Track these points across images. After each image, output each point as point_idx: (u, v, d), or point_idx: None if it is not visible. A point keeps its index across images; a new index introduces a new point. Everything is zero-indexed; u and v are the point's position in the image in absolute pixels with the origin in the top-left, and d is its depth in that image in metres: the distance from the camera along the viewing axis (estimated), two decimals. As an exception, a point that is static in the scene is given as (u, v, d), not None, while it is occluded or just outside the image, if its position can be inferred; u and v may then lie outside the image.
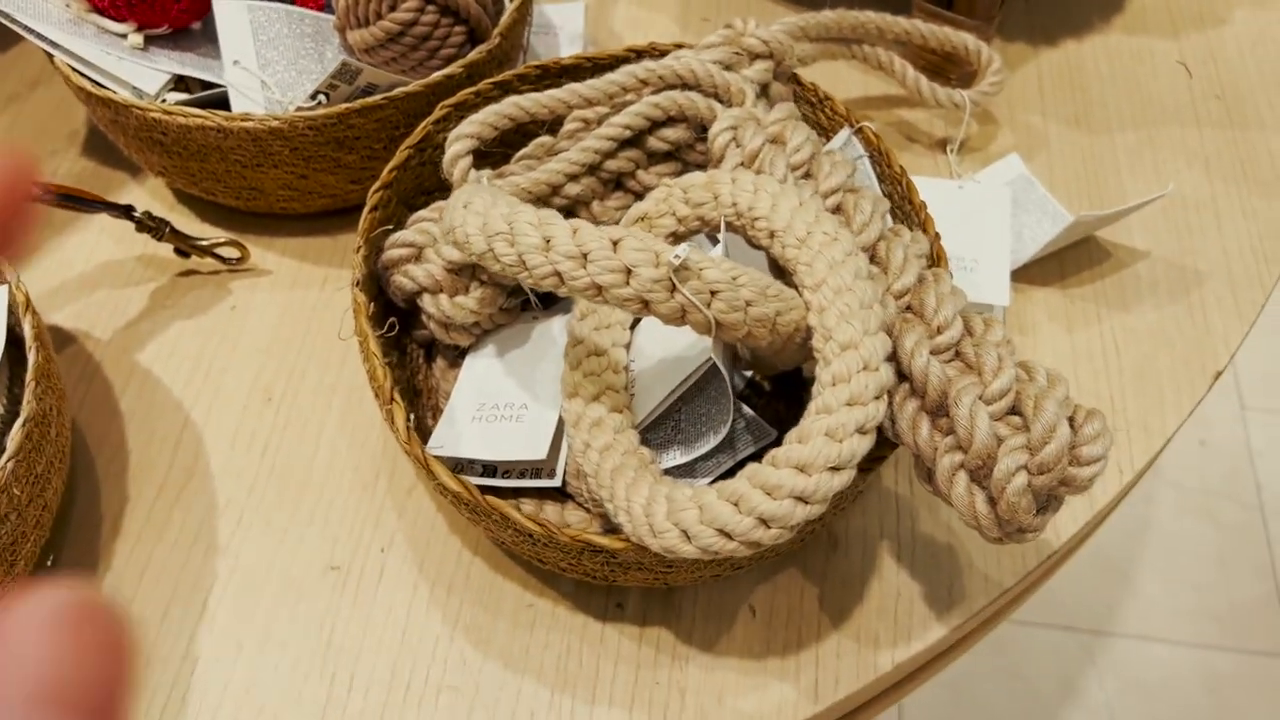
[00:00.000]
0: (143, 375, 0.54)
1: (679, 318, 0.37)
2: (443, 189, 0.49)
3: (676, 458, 0.44)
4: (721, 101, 0.49)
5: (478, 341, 0.49)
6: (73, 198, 0.51)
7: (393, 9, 0.54)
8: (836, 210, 0.44)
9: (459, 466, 0.45)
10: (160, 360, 0.54)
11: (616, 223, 0.49)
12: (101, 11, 0.57)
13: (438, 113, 0.51)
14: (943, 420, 0.38)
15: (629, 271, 0.36)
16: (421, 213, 0.49)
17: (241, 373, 0.54)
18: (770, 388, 0.50)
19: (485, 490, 0.40)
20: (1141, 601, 1.21)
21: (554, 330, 0.49)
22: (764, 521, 0.35)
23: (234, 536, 0.48)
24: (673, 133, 0.50)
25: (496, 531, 0.42)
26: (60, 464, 0.46)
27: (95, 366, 0.54)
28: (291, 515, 0.49)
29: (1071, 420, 0.36)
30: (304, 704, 0.43)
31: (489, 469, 0.45)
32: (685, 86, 0.50)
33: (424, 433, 0.46)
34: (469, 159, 0.47)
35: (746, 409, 0.46)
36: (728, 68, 0.51)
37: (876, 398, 0.36)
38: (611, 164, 0.49)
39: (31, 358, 0.44)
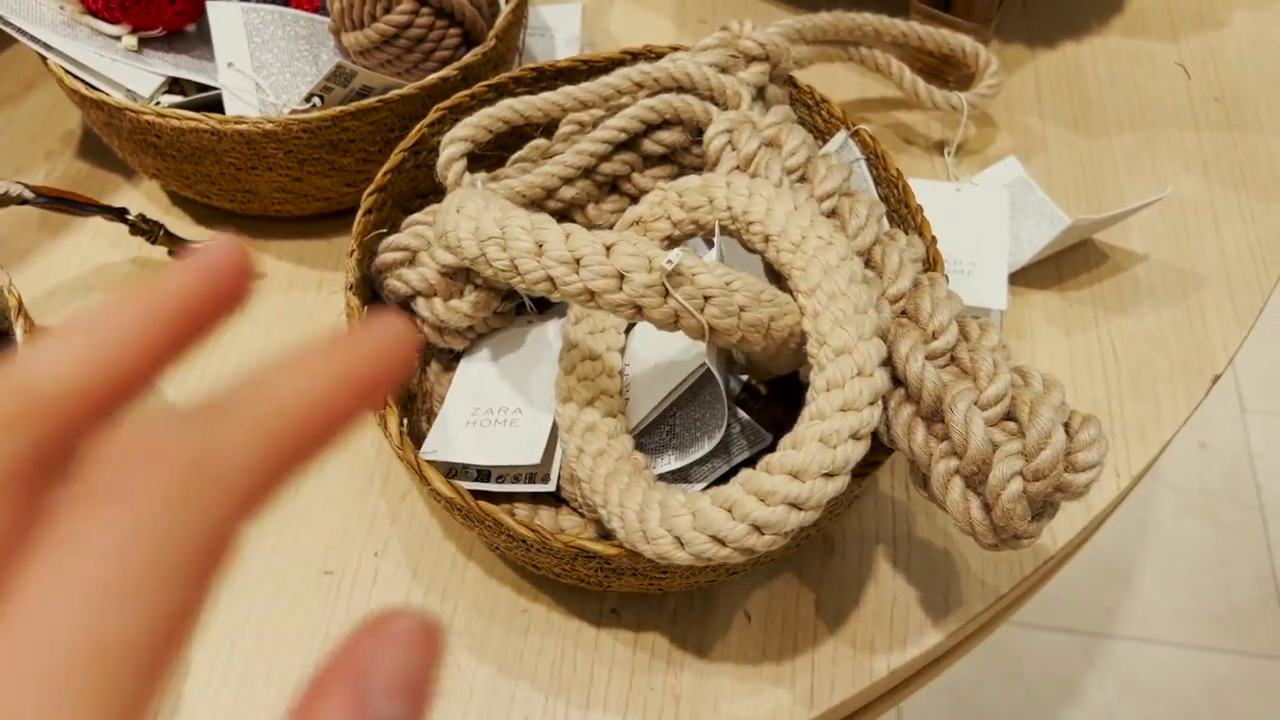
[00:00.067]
0: (137, 379, 0.53)
1: (672, 323, 0.37)
2: (437, 192, 0.49)
3: (671, 462, 0.44)
4: (717, 104, 0.49)
5: (472, 345, 0.49)
6: (66, 200, 0.51)
7: (387, 11, 0.54)
8: (832, 214, 0.44)
9: (453, 471, 0.45)
10: (154, 364, 0.54)
11: (611, 226, 0.49)
12: (95, 13, 0.57)
13: (432, 115, 0.51)
14: (938, 426, 0.37)
15: (622, 277, 0.36)
16: (415, 216, 0.48)
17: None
18: (766, 392, 0.50)
19: (479, 495, 0.40)
20: (1141, 603, 1.21)
21: (549, 334, 0.49)
22: (757, 528, 0.34)
23: (227, 541, 0.48)
24: (668, 136, 0.50)
25: (490, 537, 0.42)
26: (52, 468, 0.45)
27: (89, 370, 0.54)
28: (285, 519, 0.49)
29: (1067, 426, 0.36)
30: (297, 710, 0.43)
31: (483, 474, 0.45)
32: (681, 89, 0.50)
33: (418, 437, 0.46)
34: (463, 162, 0.47)
35: (742, 413, 0.46)
36: (724, 70, 0.50)
37: (871, 403, 0.35)
38: (607, 167, 0.49)
39: (23, 362, 0.43)
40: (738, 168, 0.45)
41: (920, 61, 0.66)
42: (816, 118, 0.55)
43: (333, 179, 0.55)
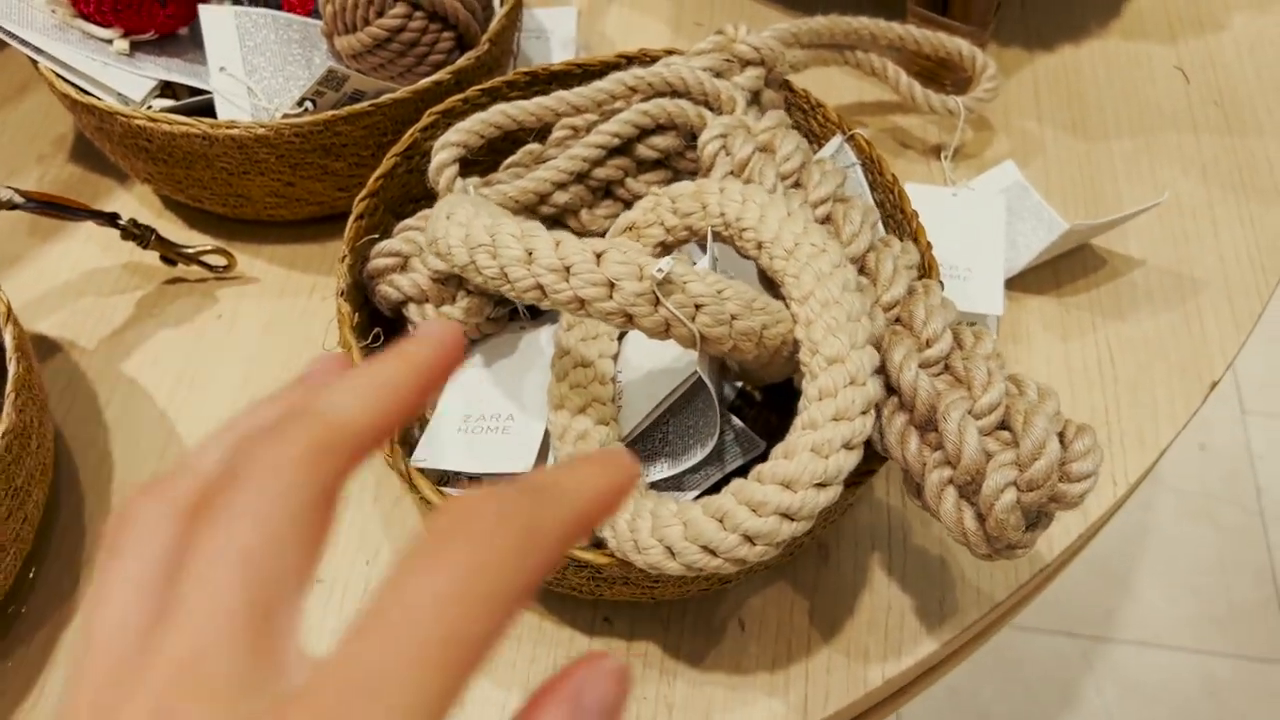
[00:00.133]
0: (128, 385, 0.53)
1: (663, 332, 0.36)
2: (430, 197, 0.48)
3: (664, 470, 0.44)
4: (712, 109, 0.49)
5: (464, 351, 0.49)
6: (57, 206, 0.51)
7: (380, 15, 0.54)
8: (826, 220, 0.44)
9: (444, 479, 0.45)
10: (146, 369, 0.54)
11: (605, 231, 0.49)
12: (87, 17, 0.56)
13: (425, 120, 0.51)
14: (932, 435, 0.37)
15: (612, 285, 0.35)
16: (407, 221, 0.48)
17: (228, 382, 0.53)
18: (761, 398, 0.49)
19: (469, 504, 0.40)
20: (1141, 606, 1.20)
21: (542, 340, 0.49)
22: (749, 538, 0.34)
23: (218, 548, 0.48)
24: (662, 141, 0.49)
25: (481, 545, 0.42)
26: (42, 476, 0.45)
27: (80, 376, 0.53)
28: (276, 527, 0.48)
29: (1062, 436, 0.35)
30: (287, 719, 0.43)
31: (475, 481, 0.45)
32: (675, 94, 0.49)
33: (411, 444, 0.46)
34: (455, 167, 0.47)
35: (736, 420, 0.45)
36: (718, 75, 0.50)
37: (863, 413, 0.35)
38: (600, 172, 0.49)
39: (12, 369, 0.43)
40: (732, 173, 0.45)
41: (917, 65, 0.66)
42: (812, 122, 0.54)
43: (325, 183, 0.55)
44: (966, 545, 0.37)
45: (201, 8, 0.57)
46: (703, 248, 0.45)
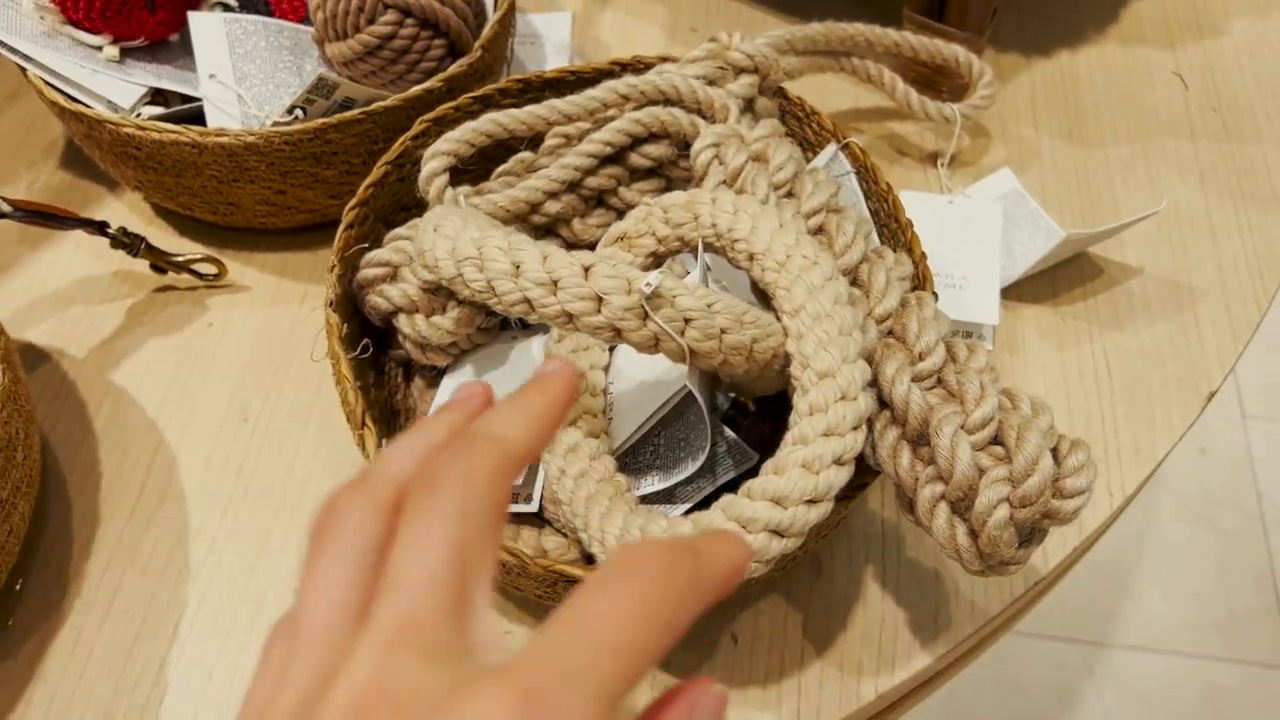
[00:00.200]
0: (117, 394, 0.53)
1: (652, 346, 0.36)
2: (421, 205, 0.48)
3: (655, 483, 0.43)
4: (705, 117, 0.48)
5: (455, 362, 0.49)
6: (45, 215, 0.50)
7: (371, 22, 0.53)
8: (819, 231, 0.43)
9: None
10: (135, 378, 0.53)
11: (597, 240, 0.48)
12: (76, 24, 0.56)
13: (416, 128, 0.50)
14: (924, 449, 0.37)
15: (600, 299, 0.35)
16: (398, 230, 0.48)
17: (218, 391, 0.53)
18: (755, 408, 0.49)
19: (457, 519, 0.39)
20: (1141, 611, 1.20)
21: (533, 350, 0.49)
22: (738, 556, 0.34)
23: (206, 561, 0.47)
24: (655, 149, 0.49)
25: (470, 559, 0.41)
26: (28, 488, 0.45)
27: (69, 385, 0.53)
28: (265, 539, 0.48)
29: (1055, 451, 0.35)
30: (274, 735, 0.42)
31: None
32: (668, 102, 0.49)
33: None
34: (445, 177, 0.46)
35: (729, 432, 0.45)
36: (712, 83, 0.50)
37: (854, 428, 0.35)
38: (592, 181, 0.49)
39: (-3, 381, 0.43)
40: (725, 182, 0.44)
41: (913, 72, 0.65)
42: (807, 130, 0.54)
43: (316, 191, 0.55)
44: (959, 561, 0.36)
45: (191, 14, 0.57)
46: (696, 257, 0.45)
